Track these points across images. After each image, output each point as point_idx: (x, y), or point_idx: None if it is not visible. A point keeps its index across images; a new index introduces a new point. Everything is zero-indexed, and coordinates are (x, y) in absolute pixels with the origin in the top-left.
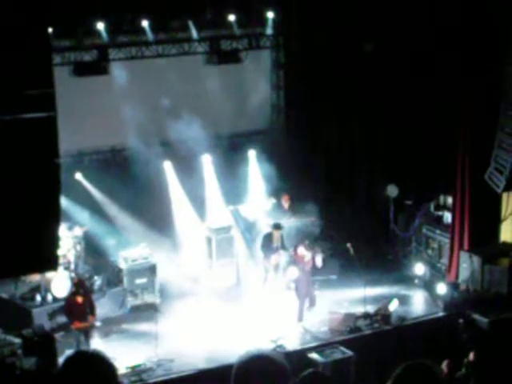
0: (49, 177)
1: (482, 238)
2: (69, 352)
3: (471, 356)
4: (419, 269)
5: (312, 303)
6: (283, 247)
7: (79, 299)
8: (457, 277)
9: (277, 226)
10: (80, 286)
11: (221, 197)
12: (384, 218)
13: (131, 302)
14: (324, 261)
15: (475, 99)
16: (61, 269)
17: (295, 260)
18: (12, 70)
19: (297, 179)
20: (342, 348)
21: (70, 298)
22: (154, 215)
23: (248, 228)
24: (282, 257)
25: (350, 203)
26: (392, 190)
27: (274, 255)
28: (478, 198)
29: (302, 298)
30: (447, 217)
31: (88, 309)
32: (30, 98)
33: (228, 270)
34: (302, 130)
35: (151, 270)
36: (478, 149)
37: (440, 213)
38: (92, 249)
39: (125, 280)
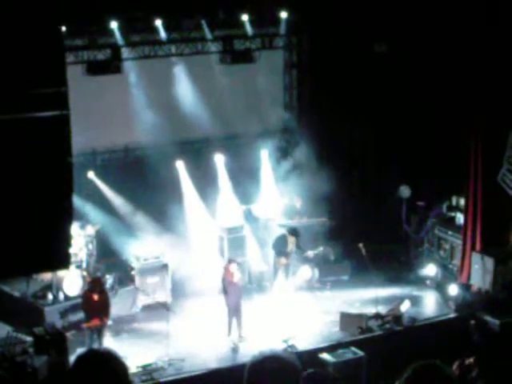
0: (61, 175)
1: (495, 240)
2: (80, 350)
3: (471, 360)
4: (431, 270)
5: (239, 322)
6: (298, 247)
7: (95, 296)
8: (468, 278)
9: (294, 233)
10: (96, 284)
11: (233, 196)
12: (396, 218)
13: (143, 301)
14: (335, 261)
15: (488, 101)
16: (73, 267)
17: (225, 276)
18: (25, 68)
19: (309, 179)
20: (354, 348)
21: (85, 295)
22: (166, 214)
23: (260, 228)
24: (292, 258)
25: (362, 204)
26: (404, 191)
27: (283, 257)
28: (490, 199)
29: (230, 312)
30: (459, 218)
31: (103, 307)
32: (43, 96)
33: (239, 269)
34: (314, 130)
35: (163, 269)
36: (490, 150)
37: (452, 214)
38: (104, 248)
39: (136, 279)
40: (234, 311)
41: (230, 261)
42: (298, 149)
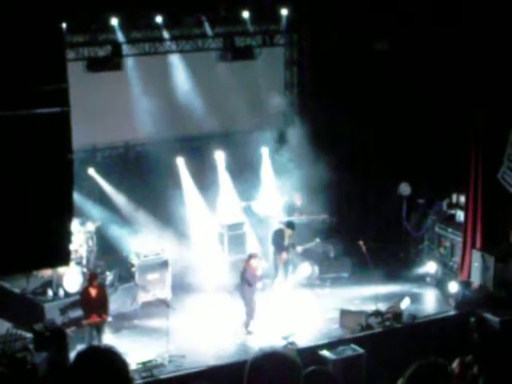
0: (62, 172)
1: (495, 237)
2: (80, 347)
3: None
4: (431, 267)
5: (252, 316)
6: (293, 245)
7: (93, 293)
8: (469, 275)
9: (290, 225)
10: (94, 280)
11: (233, 193)
12: (396, 216)
13: (143, 297)
14: (336, 258)
15: (488, 99)
16: (73, 264)
17: (246, 270)
18: (26, 65)
19: (309, 176)
20: (353, 345)
21: (83, 292)
22: (166, 211)
23: (260, 224)
24: (291, 254)
25: (362, 201)
26: (405, 189)
27: (284, 252)
28: (490, 196)
29: (250, 305)
30: (460, 215)
31: (102, 303)
32: (43, 93)
33: (240, 266)
34: (315, 128)
35: (163, 265)
36: (490, 148)
37: (452, 211)
38: (104, 244)
39: (136, 276)
40: (254, 303)
41: (251, 255)
42: (295, 137)
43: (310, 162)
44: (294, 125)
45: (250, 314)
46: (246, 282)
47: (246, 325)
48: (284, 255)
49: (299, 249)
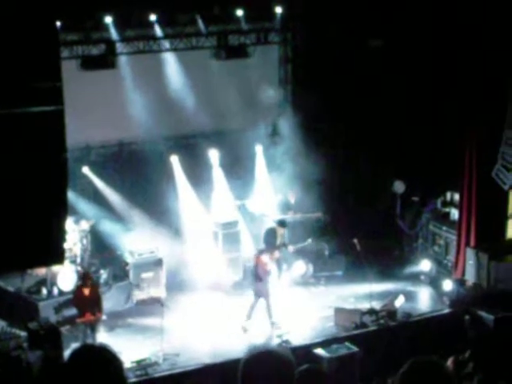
0: (56, 171)
1: (489, 235)
2: (75, 345)
3: (466, 355)
4: (425, 265)
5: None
6: (285, 244)
7: (86, 291)
8: (463, 273)
9: (281, 223)
10: (87, 278)
11: (228, 191)
12: (391, 214)
13: (137, 296)
14: (330, 256)
15: (483, 96)
16: (67, 262)
17: (257, 265)
18: (20, 63)
19: (303, 172)
20: (348, 344)
21: (76, 291)
22: (160, 209)
23: (254, 223)
24: (283, 253)
25: (356, 199)
26: (399, 186)
27: (276, 251)
28: (484, 194)
29: (268, 298)
30: (454, 213)
31: (95, 302)
32: (37, 91)
33: (234, 264)
34: (309, 125)
35: (157, 264)
36: (485, 146)
37: (447, 209)
38: (98, 243)
39: (131, 274)
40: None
41: (262, 250)
42: (291, 143)
43: (303, 156)
44: (287, 119)
45: (269, 305)
46: (257, 277)
47: (270, 316)
48: (276, 254)
49: (291, 248)
